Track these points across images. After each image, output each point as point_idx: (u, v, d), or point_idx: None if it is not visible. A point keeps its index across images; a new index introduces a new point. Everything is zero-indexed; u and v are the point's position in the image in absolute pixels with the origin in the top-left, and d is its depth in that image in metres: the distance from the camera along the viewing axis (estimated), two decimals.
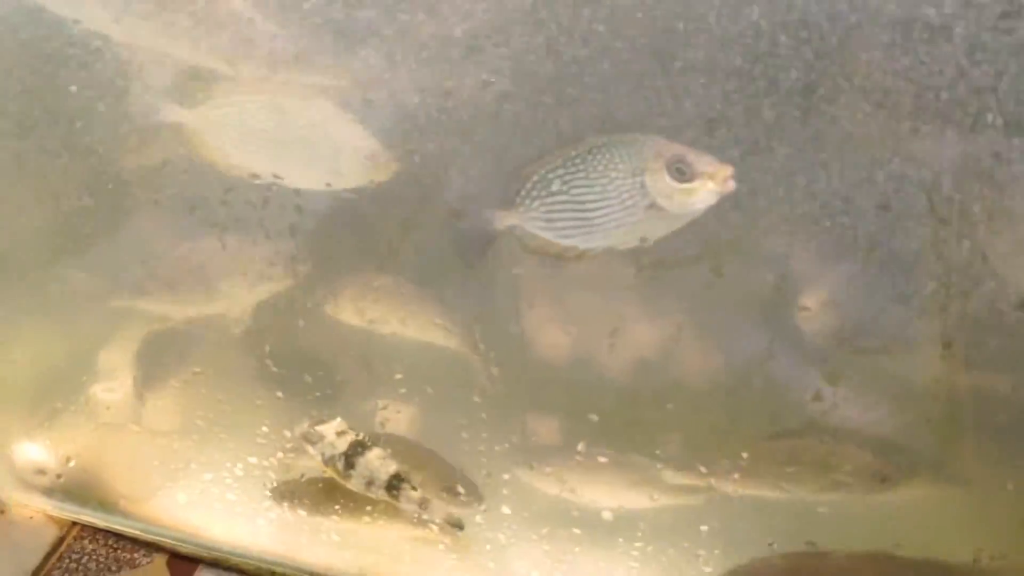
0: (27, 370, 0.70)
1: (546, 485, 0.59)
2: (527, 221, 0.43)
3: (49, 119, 0.55)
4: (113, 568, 0.70)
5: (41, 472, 0.72)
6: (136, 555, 0.71)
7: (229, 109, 0.47)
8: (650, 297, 0.50)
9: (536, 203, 0.42)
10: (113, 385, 0.70)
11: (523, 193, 0.42)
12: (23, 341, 0.68)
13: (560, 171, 0.41)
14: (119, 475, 0.71)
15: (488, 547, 0.62)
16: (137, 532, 0.71)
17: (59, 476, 0.71)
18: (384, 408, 0.62)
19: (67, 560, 0.71)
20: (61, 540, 0.72)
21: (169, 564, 0.70)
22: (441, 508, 0.61)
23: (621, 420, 0.56)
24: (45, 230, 0.61)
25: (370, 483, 0.61)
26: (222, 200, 0.52)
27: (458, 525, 0.61)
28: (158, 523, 0.70)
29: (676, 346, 0.52)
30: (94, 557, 0.71)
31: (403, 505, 0.61)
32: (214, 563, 0.70)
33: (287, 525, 0.66)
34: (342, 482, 0.61)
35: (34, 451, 0.72)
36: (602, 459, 0.57)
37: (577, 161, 0.41)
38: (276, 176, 0.48)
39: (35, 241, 0.62)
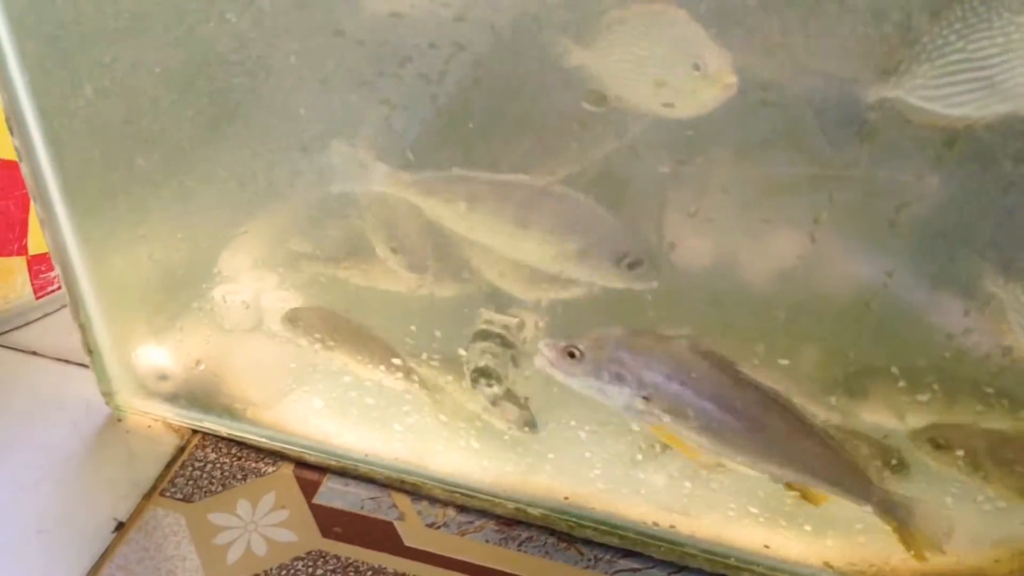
0: (150, 271, 0.68)
1: None
2: (911, 91, 0.40)
3: None
4: (238, 476, 0.69)
5: (164, 377, 0.71)
6: (261, 464, 0.70)
7: (617, 42, 0.45)
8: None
9: (924, 67, 0.38)
10: (236, 288, 0.69)
11: (908, 59, 0.39)
12: (146, 240, 0.67)
13: (957, 25, 0.38)
14: (246, 380, 0.70)
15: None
16: (262, 441, 0.70)
17: (184, 382, 0.70)
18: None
19: (189, 469, 0.69)
20: (182, 449, 0.71)
21: (295, 473, 0.69)
22: (513, 409, 0.61)
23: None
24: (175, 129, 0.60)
25: (464, 364, 0.61)
26: None
27: (531, 424, 0.62)
28: (285, 431, 0.69)
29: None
30: (217, 466, 0.70)
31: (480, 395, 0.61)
32: (342, 472, 0.68)
33: (424, 429, 0.65)
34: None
35: (157, 355, 0.71)
36: None
37: (980, 8, 0.37)
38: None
39: (164, 137, 0.61)
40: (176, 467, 0.70)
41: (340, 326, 0.65)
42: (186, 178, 0.63)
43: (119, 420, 0.73)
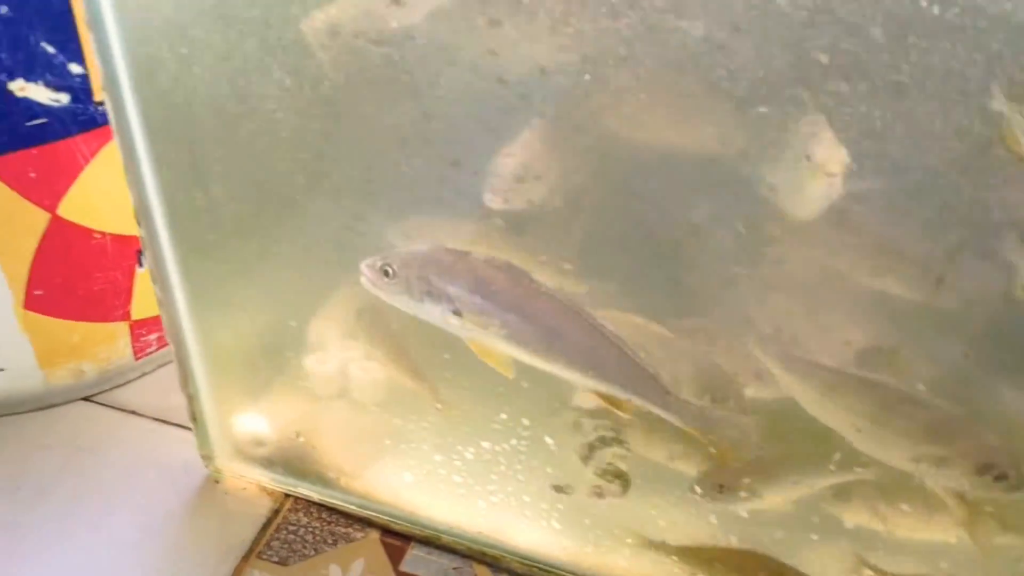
0: (251, 341, 0.73)
1: None
2: None
3: None
4: (329, 541, 0.73)
5: (260, 443, 0.76)
6: (350, 529, 0.74)
7: None
8: None
9: None
10: (325, 356, 0.73)
11: None
12: (248, 313, 0.71)
13: None
14: (339, 450, 0.74)
15: None
16: (351, 507, 0.74)
17: (279, 448, 0.75)
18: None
19: (284, 532, 0.74)
20: (276, 512, 0.75)
21: (382, 540, 0.73)
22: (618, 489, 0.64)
23: None
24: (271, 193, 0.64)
25: (604, 472, 0.64)
26: None
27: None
28: (374, 499, 0.73)
29: None
30: (310, 530, 0.74)
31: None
32: (425, 541, 0.73)
33: (507, 507, 0.69)
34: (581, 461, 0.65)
35: (255, 422, 0.75)
36: None
37: None
38: None
39: (258, 208, 0.65)
40: (271, 530, 0.74)
41: None
42: (285, 249, 0.68)
43: (216, 482, 0.77)
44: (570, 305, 0.54)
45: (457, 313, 0.54)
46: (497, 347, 0.55)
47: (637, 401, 0.55)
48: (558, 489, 0.67)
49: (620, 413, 0.56)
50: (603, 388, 0.55)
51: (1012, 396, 0.52)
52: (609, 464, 0.65)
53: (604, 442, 0.63)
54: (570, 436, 0.65)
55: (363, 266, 0.55)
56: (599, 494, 0.65)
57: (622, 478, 0.64)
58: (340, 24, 0.53)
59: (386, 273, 0.55)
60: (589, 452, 0.64)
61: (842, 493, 0.61)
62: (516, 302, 0.54)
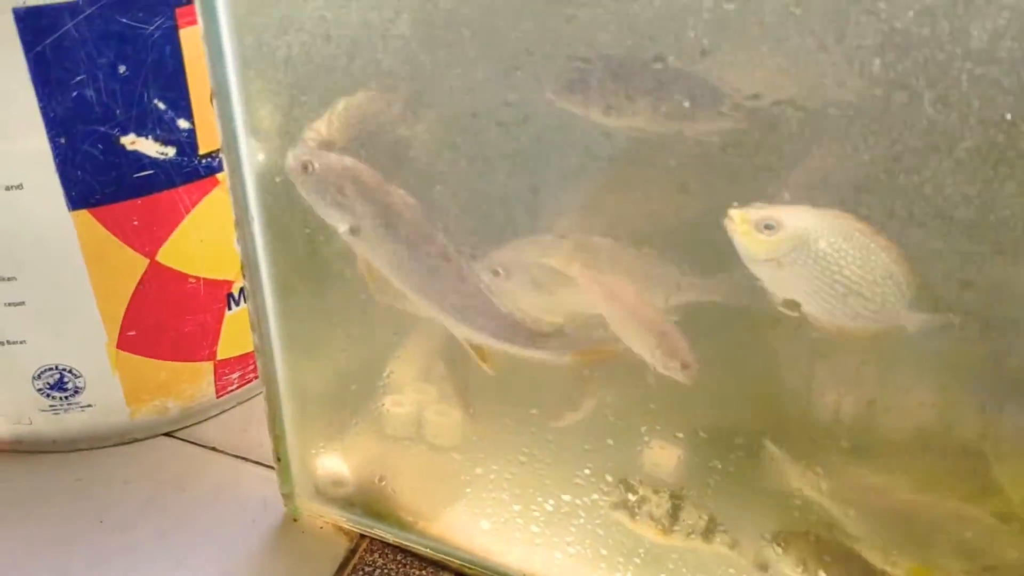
0: (333, 383, 0.76)
1: None
2: None
3: None
4: None
5: (339, 484, 0.78)
6: (424, 572, 0.76)
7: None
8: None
9: None
10: (402, 399, 0.76)
11: None
12: (332, 356, 0.74)
13: None
14: (417, 493, 0.77)
15: None
16: (426, 551, 0.76)
17: (359, 489, 0.77)
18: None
19: (360, 572, 0.76)
20: (353, 552, 0.78)
21: None
22: (751, 548, 0.66)
23: None
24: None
25: (691, 532, 0.66)
26: None
27: (764, 568, 0.66)
28: (449, 543, 0.76)
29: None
30: (384, 571, 0.76)
31: (716, 546, 0.66)
32: None
33: (584, 559, 0.71)
34: (660, 536, 0.67)
35: (334, 463, 0.78)
36: None
37: None
38: None
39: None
40: (348, 570, 0.76)
41: None
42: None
43: (295, 520, 0.80)
44: (456, 250, 0.58)
45: (354, 231, 0.57)
46: (379, 272, 0.60)
47: (507, 349, 0.60)
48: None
49: (484, 366, 0.61)
50: (475, 337, 0.61)
51: None
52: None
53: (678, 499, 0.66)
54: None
55: (289, 153, 0.58)
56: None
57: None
58: None
59: (306, 168, 0.57)
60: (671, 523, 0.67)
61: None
62: (411, 239, 0.58)
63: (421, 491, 0.77)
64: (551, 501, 0.70)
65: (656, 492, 0.66)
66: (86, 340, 0.79)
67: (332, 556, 0.78)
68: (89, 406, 0.83)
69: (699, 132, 0.50)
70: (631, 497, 0.66)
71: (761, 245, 0.51)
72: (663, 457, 0.67)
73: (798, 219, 0.50)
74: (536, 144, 0.56)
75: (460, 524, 0.75)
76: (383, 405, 0.76)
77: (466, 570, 0.76)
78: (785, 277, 0.52)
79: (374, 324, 0.73)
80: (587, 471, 0.68)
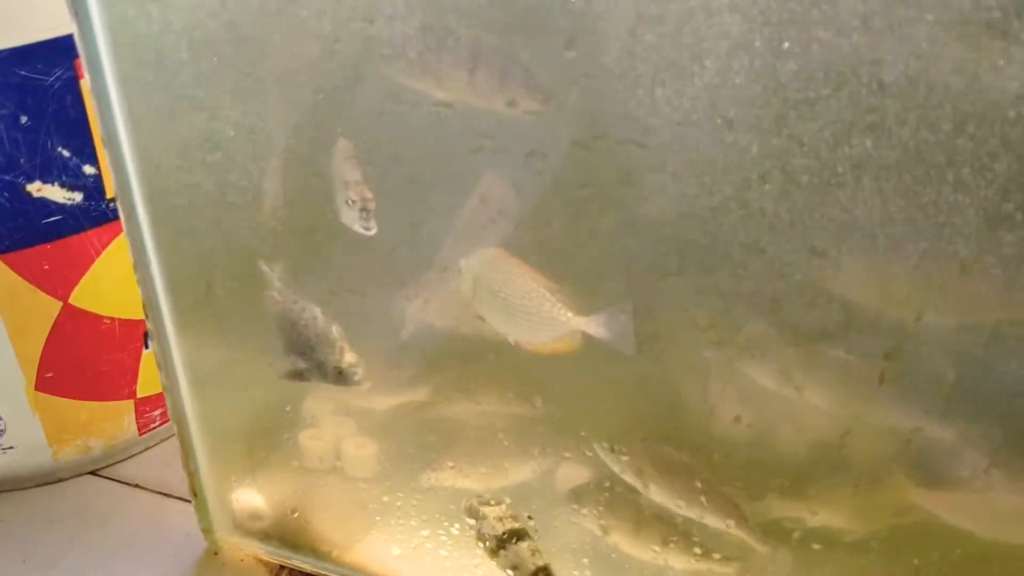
0: (245, 418, 0.77)
1: None
2: None
3: None
4: None
5: (257, 517, 0.80)
6: None
7: None
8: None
9: None
10: (318, 432, 0.78)
11: None
12: (245, 393, 0.76)
13: None
14: (331, 523, 0.78)
15: None
16: None
17: (276, 522, 0.79)
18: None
19: None
20: None
21: None
22: None
23: None
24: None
25: (515, 567, 0.69)
26: None
27: None
28: (364, 571, 0.77)
29: None
30: None
31: None
32: None
33: None
34: (486, 555, 0.70)
35: (251, 497, 0.80)
36: None
37: None
38: None
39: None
40: None
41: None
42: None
43: (215, 553, 0.82)
44: None
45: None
46: None
47: None
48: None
49: None
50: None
51: None
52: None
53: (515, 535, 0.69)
54: (556, 513, 0.69)
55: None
56: None
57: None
58: None
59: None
60: (497, 546, 0.69)
61: None
62: None
63: (335, 521, 0.78)
64: (456, 525, 0.72)
65: (500, 519, 0.69)
66: (4, 383, 0.81)
67: None
68: (11, 448, 0.84)
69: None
70: (478, 506, 0.69)
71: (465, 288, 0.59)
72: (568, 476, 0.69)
73: (469, 262, 0.59)
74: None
75: (373, 552, 0.77)
76: (299, 439, 0.78)
77: None
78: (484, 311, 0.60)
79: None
80: (488, 495, 0.70)
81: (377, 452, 0.76)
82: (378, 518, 0.75)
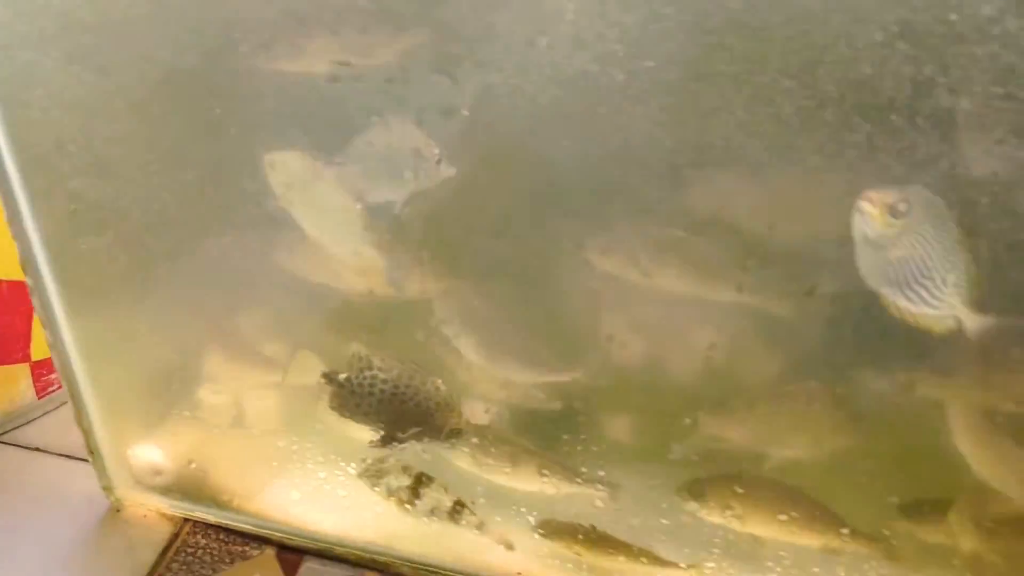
0: (142, 376, 0.77)
1: None
2: None
3: None
4: (226, 561, 0.77)
5: (158, 473, 0.80)
6: (247, 548, 0.78)
7: None
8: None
9: None
10: (219, 387, 0.78)
11: None
12: (138, 348, 0.75)
13: None
14: (230, 474, 0.78)
15: None
16: (247, 527, 0.78)
17: (176, 476, 0.79)
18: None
19: (182, 555, 0.78)
20: (175, 536, 0.79)
21: (278, 556, 0.78)
22: (496, 531, 0.71)
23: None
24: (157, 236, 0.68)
25: (434, 510, 0.70)
26: None
27: (509, 547, 0.71)
28: (267, 518, 0.78)
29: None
30: (207, 551, 0.78)
31: (463, 527, 0.71)
32: (319, 553, 0.77)
33: (392, 516, 0.74)
34: (405, 508, 0.71)
35: (150, 452, 0.79)
36: None
37: None
38: None
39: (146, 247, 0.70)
40: (171, 553, 0.78)
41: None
42: (172, 285, 0.72)
43: (118, 511, 0.81)
44: None
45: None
46: None
47: None
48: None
49: None
50: None
51: None
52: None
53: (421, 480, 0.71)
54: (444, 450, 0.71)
55: None
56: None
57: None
58: None
59: None
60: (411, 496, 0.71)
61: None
62: None
63: (234, 471, 0.79)
64: (352, 464, 0.73)
65: (405, 469, 0.70)
66: None
67: (155, 542, 0.79)
68: None
69: None
70: (376, 465, 0.70)
71: (890, 228, 0.49)
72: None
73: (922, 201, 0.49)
74: None
75: (274, 498, 0.77)
76: (199, 394, 0.78)
77: (287, 541, 0.78)
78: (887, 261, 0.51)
79: (183, 316, 0.74)
80: (382, 433, 0.71)
81: (279, 403, 0.77)
82: (275, 464, 0.76)
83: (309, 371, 0.69)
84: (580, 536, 0.69)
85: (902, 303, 0.50)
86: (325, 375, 0.67)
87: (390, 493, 0.72)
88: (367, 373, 0.65)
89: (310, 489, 0.75)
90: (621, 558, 0.69)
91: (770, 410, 0.60)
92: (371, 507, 0.74)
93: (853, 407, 0.59)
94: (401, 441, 0.68)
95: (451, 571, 0.75)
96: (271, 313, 0.73)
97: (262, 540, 0.79)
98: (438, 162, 0.56)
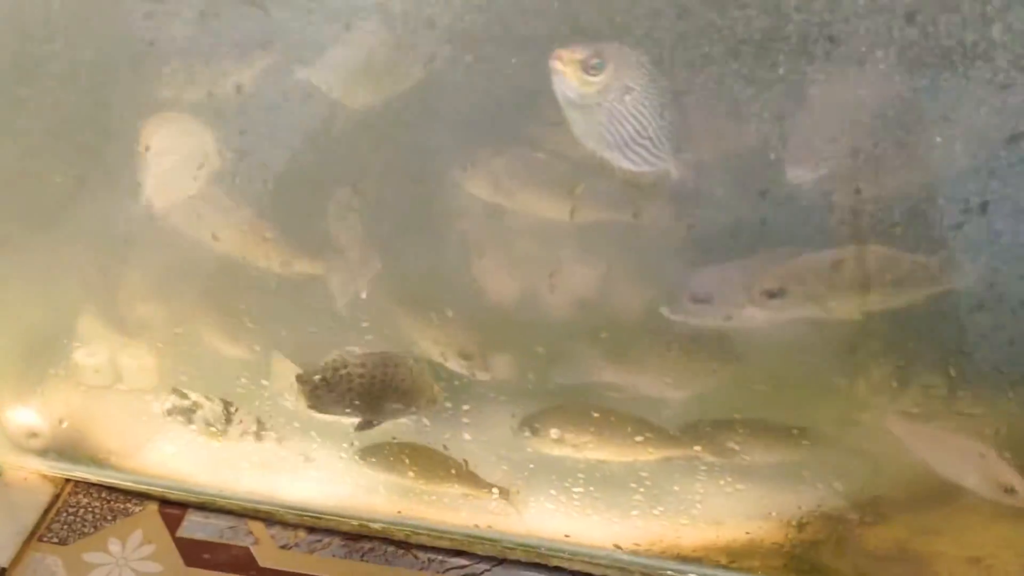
0: (14, 337, 0.75)
1: None
2: None
3: None
4: (108, 518, 0.77)
5: (34, 435, 0.79)
6: (129, 504, 0.78)
7: None
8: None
9: None
10: (94, 349, 0.76)
11: None
12: (8, 308, 0.74)
13: None
14: (108, 432, 0.78)
15: None
16: (128, 484, 0.78)
17: (52, 438, 0.78)
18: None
19: (64, 515, 0.77)
20: (57, 497, 0.79)
21: (160, 510, 0.78)
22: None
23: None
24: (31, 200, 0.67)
25: (244, 433, 0.72)
26: None
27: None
28: (147, 474, 0.78)
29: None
30: (89, 510, 0.78)
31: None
32: (202, 506, 0.77)
33: (269, 466, 0.74)
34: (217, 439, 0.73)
35: (26, 415, 0.78)
36: None
37: None
38: None
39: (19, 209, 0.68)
40: (52, 514, 0.78)
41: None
42: (44, 248, 0.70)
43: None
44: None
45: None
46: None
47: None
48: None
49: None
50: None
51: None
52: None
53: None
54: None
55: None
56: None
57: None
58: None
59: None
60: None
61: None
62: None
63: (109, 430, 0.78)
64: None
65: (208, 399, 0.70)
66: None
67: (36, 503, 0.78)
68: None
69: None
70: (183, 403, 0.70)
71: (588, 86, 0.46)
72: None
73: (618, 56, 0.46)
74: None
75: (153, 453, 0.77)
76: (74, 357, 0.76)
77: (169, 495, 0.78)
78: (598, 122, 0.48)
79: (55, 279, 0.72)
80: (244, 380, 0.70)
81: (155, 362, 0.75)
82: (145, 418, 0.75)
83: (283, 375, 0.68)
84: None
85: (626, 165, 0.47)
86: (299, 377, 0.66)
87: (209, 425, 0.73)
88: (342, 372, 0.65)
89: (184, 443, 0.75)
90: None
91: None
92: (248, 457, 0.74)
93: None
94: (381, 422, 0.68)
95: (333, 515, 0.76)
96: (145, 272, 0.72)
97: (144, 496, 0.78)
98: None
